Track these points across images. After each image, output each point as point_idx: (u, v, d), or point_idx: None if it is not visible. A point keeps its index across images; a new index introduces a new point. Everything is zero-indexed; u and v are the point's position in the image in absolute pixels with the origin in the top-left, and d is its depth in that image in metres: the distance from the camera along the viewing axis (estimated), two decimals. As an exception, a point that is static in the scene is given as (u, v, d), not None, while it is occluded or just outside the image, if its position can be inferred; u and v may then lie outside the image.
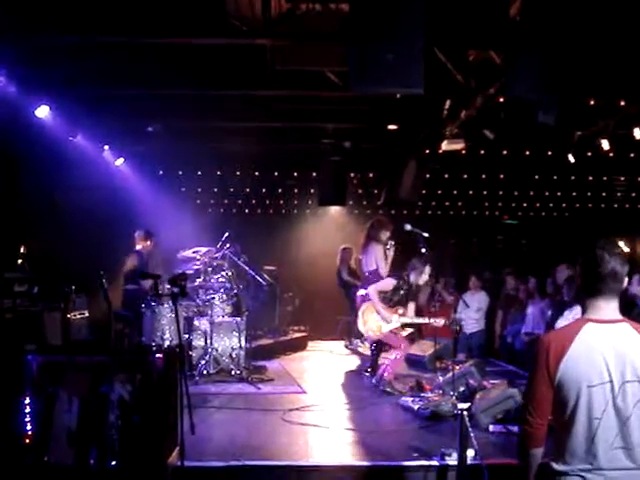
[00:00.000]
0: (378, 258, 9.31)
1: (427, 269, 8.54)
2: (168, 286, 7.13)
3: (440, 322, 8.49)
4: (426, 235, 8.54)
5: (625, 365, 2.86)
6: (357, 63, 6.35)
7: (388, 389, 8.34)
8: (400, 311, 8.53)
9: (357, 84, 6.48)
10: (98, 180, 10.58)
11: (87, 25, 7.11)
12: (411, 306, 8.68)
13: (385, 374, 8.44)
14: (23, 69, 7.85)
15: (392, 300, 8.51)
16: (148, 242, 9.96)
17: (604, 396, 2.86)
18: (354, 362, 10.99)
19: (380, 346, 9.13)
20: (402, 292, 8.51)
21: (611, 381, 2.86)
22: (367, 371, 9.26)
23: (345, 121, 11.07)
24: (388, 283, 8.61)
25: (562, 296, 9.46)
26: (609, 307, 2.99)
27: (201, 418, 6.50)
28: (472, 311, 11.81)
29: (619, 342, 2.90)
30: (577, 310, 7.05)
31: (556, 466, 2.95)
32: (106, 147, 11.39)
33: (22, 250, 8.79)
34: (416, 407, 7.25)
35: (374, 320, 8.50)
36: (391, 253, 9.46)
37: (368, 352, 9.99)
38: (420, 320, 8.81)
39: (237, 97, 9.78)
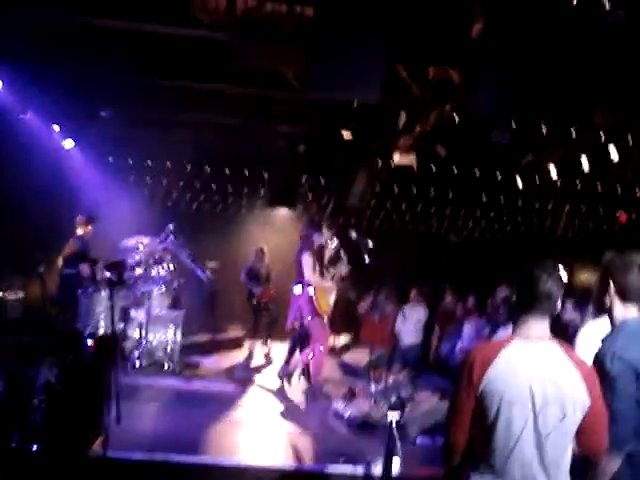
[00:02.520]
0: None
1: (324, 230, 8.57)
2: (107, 274, 7.04)
3: None
4: (370, 245, 8.59)
5: (548, 386, 2.88)
6: (317, 68, 6.38)
7: (323, 393, 8.38)
8: (329, 275, 8.63)
9: (315, 88, 6.52)
10: (45, 161, 10.38)
11: (42, 3, 7.00)
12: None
13: (316, 377, 8.46)
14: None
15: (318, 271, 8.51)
16: (89, 227, 9.76)
17: (524, 414, 2.87)
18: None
19: (303, 340, 9.07)
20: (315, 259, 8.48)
21: (533, 401, 2.88)
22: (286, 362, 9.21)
23: (300, 124, 11.07)
24: (308, 260, 8.44)
25: (499, 316, 9.62)
26: (539, 326, 3.01)
27: (129, 409, 6.38)
28: (411, 323, 11.89)
29: (544, 361, 2.92)
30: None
31: (474, 478, 2.98)
32: (56, 127, 11.17)
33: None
34: (347, 414, 7.27)
35: (325, 299, 8.51)
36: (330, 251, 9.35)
37: None
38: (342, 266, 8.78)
39: (193, 90, 9.69)
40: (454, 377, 3.12)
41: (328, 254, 8.73)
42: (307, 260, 8.40)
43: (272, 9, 7.43)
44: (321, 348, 8.51)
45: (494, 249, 17.04)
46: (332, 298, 8.67)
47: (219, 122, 11.18)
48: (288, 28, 7.44)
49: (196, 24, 7.25)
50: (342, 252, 8.80)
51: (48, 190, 10.16)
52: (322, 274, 8.56)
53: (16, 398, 4.98)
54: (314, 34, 6.52)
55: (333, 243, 8.76)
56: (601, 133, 9.36)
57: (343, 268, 8.77)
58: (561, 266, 3.08)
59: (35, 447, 4.95)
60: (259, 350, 11.66)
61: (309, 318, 8.49)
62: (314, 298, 8.37)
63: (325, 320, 8.57)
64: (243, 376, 9.80)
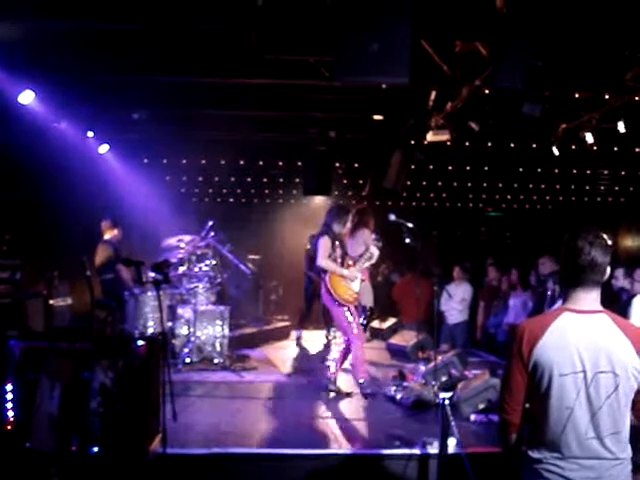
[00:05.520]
0: (369, 242, 9.22)
1: (348, 217, 8.15)
2: (152, 274, 7.13)
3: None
4: (411, 225, 8.46)
5: (599, 355, 2.87)
6: (341, 53, 6.33)
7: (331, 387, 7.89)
8: (350, 262, 8.07)
9: (341, 74, 6.47)
10: (83, 167, 10.51)
11: (72, 11, 7.07)
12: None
13: (358, 370, 7.85)
14: (7, 54, 7.78)
15: (333, 258, 7.92)
16: (115, 230, 9.84)
17: (576, 385, 2.86)
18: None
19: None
20: (335, 245, 7.93)
21: (584, 371, 2.86)
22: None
23: (331, 111, 11.04)
24: (325, 244, 7.81)
25: (545, 288, 9.53)
26: (589, 297, 2.98)
27: (183, 406, 6.51)
28: (455, 302, 11.86)
29: (595, 332, 2.91)
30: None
31: (531, 454, 2.97)
32: (90, 133, 11.29)
33: (6, 237, 8.74)
34: (398, 396, 7.29)
35: (344, 287, 7.85)
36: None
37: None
38: (367, 260, 8.35)
39: (223, 85, 9.73)
40: (504, 354, 3.12)
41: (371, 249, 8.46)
42: (323, 244, 7.78)
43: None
44: (350, 339, 7.87)
45: (534, 221, 16.92)
46: (357, 285, 8.00)
47: (250, 115, 11.22)
48: (312, 14, 7.42)
49: (221, 19, 7.26)
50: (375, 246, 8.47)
51: (88, 196, 10.30)
52: (342, 263, 7.95)
53: (73, 403, 5.08)
54: (335, 18, 6.46)
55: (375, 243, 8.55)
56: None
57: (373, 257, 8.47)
58: (604, 234, 3.02)
59: (95, 450, 5.05)
60: (308, 339, 11.70)
61: (331, 309, 7.94)
62: (330, 286, 7.74)
63: (351, 309, 7.88)
64: (294, 366, 9.87)
